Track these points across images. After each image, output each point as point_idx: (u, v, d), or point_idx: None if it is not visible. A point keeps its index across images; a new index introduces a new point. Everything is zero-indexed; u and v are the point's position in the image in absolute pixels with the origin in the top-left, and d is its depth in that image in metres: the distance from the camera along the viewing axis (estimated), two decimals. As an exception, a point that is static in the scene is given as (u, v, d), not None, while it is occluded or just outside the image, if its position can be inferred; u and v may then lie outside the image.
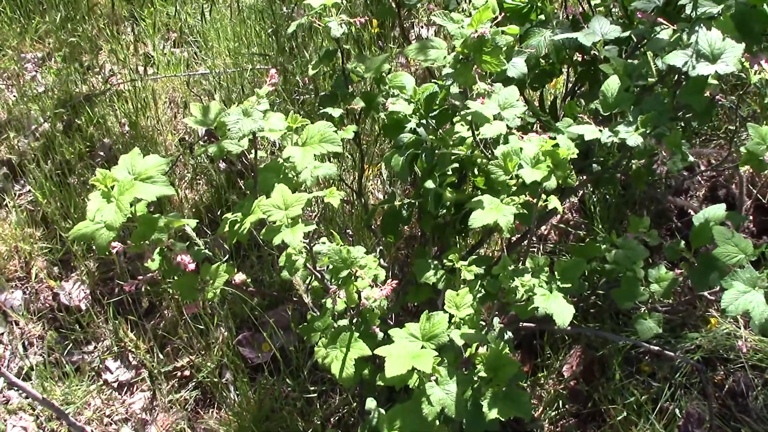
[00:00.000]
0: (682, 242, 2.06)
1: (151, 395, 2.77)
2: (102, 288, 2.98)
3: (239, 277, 2.09)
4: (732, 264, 1.78)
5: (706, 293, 2.06)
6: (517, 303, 1.81)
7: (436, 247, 2.46)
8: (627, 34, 2.02)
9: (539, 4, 2.19)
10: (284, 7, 3.62)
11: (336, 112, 2.26)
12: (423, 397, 1.75)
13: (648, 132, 1.79)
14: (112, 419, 2.71)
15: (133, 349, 2.81)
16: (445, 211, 2.21)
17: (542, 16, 2.20)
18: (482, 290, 1.94)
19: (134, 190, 1.80)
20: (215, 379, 2.70)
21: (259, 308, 2.76)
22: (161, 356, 2.80)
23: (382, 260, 2.61)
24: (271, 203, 1.77)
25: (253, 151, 1.98)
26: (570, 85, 2.46)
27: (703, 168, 2.96)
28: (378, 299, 1.83)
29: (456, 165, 2.13)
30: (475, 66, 1.85)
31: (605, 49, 2.04)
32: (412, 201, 2.26)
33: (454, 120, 2.11)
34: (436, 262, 2.12)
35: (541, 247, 2.93)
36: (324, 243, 1.94)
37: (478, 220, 1.76)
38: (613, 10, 2.35)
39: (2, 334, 2.88)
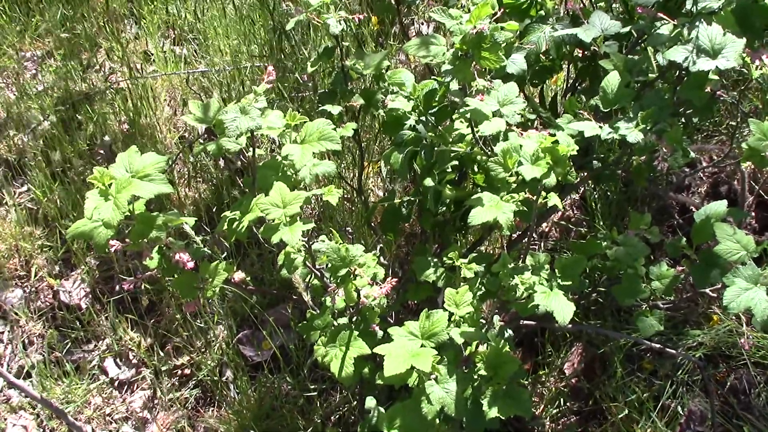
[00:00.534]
0: (684, 239, 2.04)
1: (151, 394, 2.76)
2: (102, 286, 2.97)
3: (238, 275, 2.08)
4: (734, 261, 1.77)
5: (707, 290, 2.05)
6: (517, 301, 1.80)
7: (436, 244, 2.45)
8: (627, 29, 2.01)
9: (539, 0, 2.17)
10: (283, 4, 3.61)
11: (335, 109, 2.25)
12: (423, 395, 1.74)
13: (648, 128, 1.78)
14: (112, 418, 2.71)
15: (134, 348, 2.81)
16: (444, 208, 2.19)
17: (542, 12, 2.18)
18: (482, 288, 1.93)
19: (132, 188, 1.79)
20: (215, 378, 2.70)
21: (258, 306, 2.75)
22: (161, 354, 2.79)
23: (381, 258, 2.60)
24: (270, 201, 1.76)
25: (251, 148, 1.97)
26: (570, 81, 2.45)
27: (704, 164, 2.95)
28: (377, 297, 1.82)
29: (455, 162, 2.11)
30: (474, 62, 1.83)
31: (605, 44, 2.02)
32: (412, 198, 2.25)
33: (454, 117, 2.10)
34: (435, 260, 2.11)
35: (542, 245, 2.92)
36: (323, 241, 1.93)
37: (477, 217, 1.75)
38: (614, 5, 2.33)
39: (2, 332, 2.87)
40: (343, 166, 3.06)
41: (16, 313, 2.88)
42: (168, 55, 3.57)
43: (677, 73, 2.02)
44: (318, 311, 2.02)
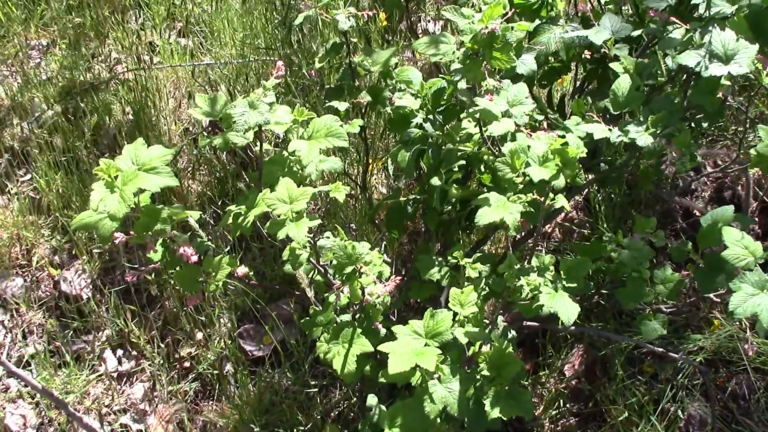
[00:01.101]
0: (689, 243, 2.04)
1: (151, 386, 2.76)
2: (104, 277, 2.96)
3: (242, 270, 2.07)
4: (740, 266, 1.77)
5: (710, 295, 2.05)
6: (522, 302, 1.79)
7: (440, 243, 2.44)
8: (639, 32, 2.00)
9: (549, 1, 2.16)
10: (291, -2, 3.60)
11: (342, 105, 2.25)
12: (425, 394, 1.74)
13: (658, 132, 1.77)
14: (111, 409, 2.71)
15: (134, 340, 2.80)
16: (450, 207, 2.19)
17: (552, 13, 2.17)
18: (486, 288, 1.93)
19: (138, 181, 1.79)
20: (215, 371, 2.69)
21: (260, 301, 2.75)
22: (162, 347, 2.79)
23: (385, 256, 2.60)
24: (276, 197, 1.76)
25: (258, 143, 1.96)
26: (578, 82, 2.44)
27: (710, 169, 2.94)
28: (381, 295, 1.82)
29: (462, 161, 2.11)
30: (485, 62, 1.83)
31: (615, 47, 2.02)
32: (417, 197, 2.25)
33: (462, 116, 2.10)
34: (440, 259, 2.11)
35: (546, 245, 2.92)
36: (328, 238, 1.92)
37: (484, 217, 1.75)
38: (623, 8, 2.33)
39: (2, 321, 2.87)
40: (348, 162, 3.05)
41: (17, 302, 2.87)
42: (173, 47, 3.56)
43: (687, 78, 2.02)
44: (321, 308, 2.02)
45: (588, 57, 2.30)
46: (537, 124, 2.06)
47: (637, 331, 2.12)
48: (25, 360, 2.77)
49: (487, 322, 1.89)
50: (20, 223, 3.02)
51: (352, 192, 2.95)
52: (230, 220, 1.97)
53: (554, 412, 2.51)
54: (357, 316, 1.95)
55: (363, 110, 2.42)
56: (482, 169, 2.10)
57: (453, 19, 1.83)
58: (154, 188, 1.80)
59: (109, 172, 1.81)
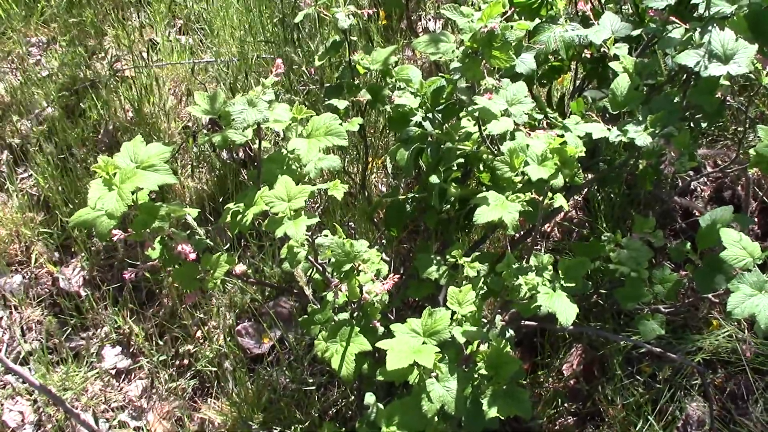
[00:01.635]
0: (688, 244, 2.04)
1: (149, 383, 2.76)
2: (102, 274, 2.96)
3: (240, 267, 2.07)
4: (739, 267, 1.76)
5: (709, 295, 2.04)
6: (520, 301, 1.79)
7: (438, 241, 2.44)
8: (638, 32, 2.00)
9: (549, 0, 2.16)
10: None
11: (341, 103, 2.24)
12: (423, 393, 1.74)
13: (657, 132, 1.77)
14: (109, 406, 2.71)
15: (132, 337, 2.80)
16: (449, 206, 2.19)
17: (552, 12, 2.17)
18: (485, 287, 1.93)
19: (136, 179, 1.79)
20: (214, 369, 2.69)
21: (259, 299, 2.74)
22: (160, 344, 2.79)
23: (384, 254, 2.60)
24: (275, 195, 1.76)
25: (257, 141, 1.96)
26: (578, 81, 2.44)
27: (709, 169, 2.94)
28: (380, 294, 1.82)
29: (461, 160, 2.11)
30: (484, 61, 1.83)
31: (615, 46, 2.01)
32: (416, 195, 2.24)
33: (461, 115, 2.09)
34: (438, 258, 2.11)
35: (544, 245, 2.91)
36: (327, 236, 1.92)
37: (482, 216, 1.74)
38: (623, 7, 2.32)
39: (1, 318, 2.87)
40: (347, 160, 3.04)
41: (15, 299, 2.87)
42: (174, 44, 3.55)
43: (684, 77, 2.02)
44: (319, 306, 2.02)
45: (588, 56, 2.30)
46: (536, 123, 2.06)
47: (636, 331, 2.12)
48: (22, 357, 2.76)
49: (486, 321, 1.89)
50: (19, 220, 3.02)
51: (351, 190, 2.95)
52: (229, 218, 1.97)
53: (552, 412, 2.51)
54: (355, 314, 1.95)
55: (363, 108, 2.42)
56: (481, 168, 2.10)
57: (452, 18, 1.83)
58: (152, 186, 1.80)
59: (108, 169, 1.81)
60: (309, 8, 2.17)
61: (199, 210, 2.14)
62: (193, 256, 1.93)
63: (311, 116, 1.97)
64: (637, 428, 2.39)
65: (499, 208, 1.75)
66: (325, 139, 1.93)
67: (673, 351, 2.45)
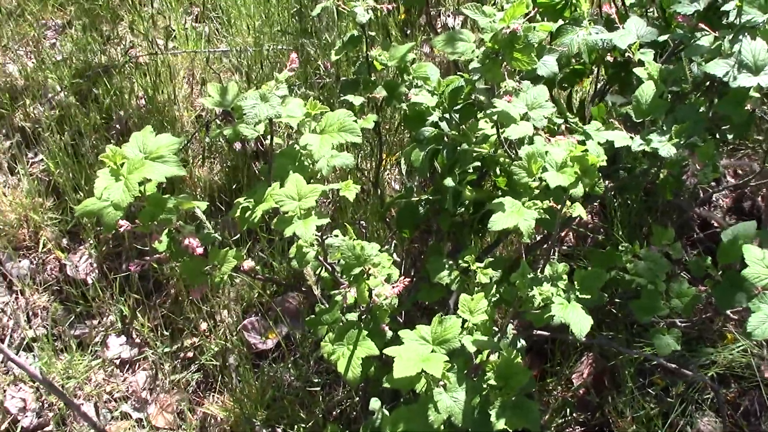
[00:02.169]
0: (708, 258, 1.98)
1: (153, 374, 2.73)
2: (109, 263, 2.94)
3: (248, 264, 2.04)
4: (761, 286, 1.71)
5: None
6: (533, 311, 1.74)
7: (450, 242, 2.39)
8: (665, 38, 1.94)
9: (573, 1, 2.10)
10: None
11: (357, 100, 2.20)
12: (429, 402, 1.70)
13: (681, 142, 1.71)
14: (112, 396, 2.68)
15: (138, 327, 2.77)
16: (463, 209, 2.14)
17: (576, 14, 2.11)
18: (497, 294, 1.88)
19: (144, 170, 1.75)
20: (218, 363, 2.66)
21: (266, 294, 2.71)
22: (165, 335, 2.76)
23: (395, 255, 2.55)
24: (285, 193, 1.72)
25: (269, 136, 1.92)
26: (600, 85, 2.38)
27: (729, 179, 2.88)
28: (389, 297, 1.77)
29: (477, 163, 2.06)
30: (505, 63, 1.78)
31: (640, 51, 1.95)
32: (430, 197, 2.20)
33: (479, 116, 2.04)
34: (450, 262, 2.06)
35: (558, 250, 2.86)
36: (337, 236, 1.88)
37: (498, 223, 1.70)
38: (649, 11, 2.26)
39: (7, 303, 2.84)
40: (360, 157, 3.00)
41: (22, 284, 2.85)
42: (189, 33, 3.52)
43: (710, 86, 1.96)
44: (327, 305, 1.98)
45: (611, 60, 2.24)
46: (556, 128, 2.01)
47: (649, 341, 2.07)
48: (26, 343, 2.74)
49: (496, 329, 1.84)
50: (29, 204, 2.99)
51: (364, 187, 2.91)
52: (238, 213, 1.94)
53: (560, 421, 2.46)
54: (363, 316, 1.91)
55: (378, 105, 2.37)
56: (498, 172, 2.05)
57: (474, 17, 1.78)
58: (160, 178, 1.76)
59: (115, 159, 1.78)
60: (327, 1, 2.13)
61: (208, 203, 2.11)
62: (200, 250, 1.90)
63: (325, 112, 1.93)
64: (647, 442, 2.35)
65: (515, 215, 1.70)
66: (338, 136, 1.89)
67: (687, 364, 2.39)
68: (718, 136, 2.02)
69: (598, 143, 1.82)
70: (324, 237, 1.84)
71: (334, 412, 2.52)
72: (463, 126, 2.08)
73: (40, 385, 2.64)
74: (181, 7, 3.65)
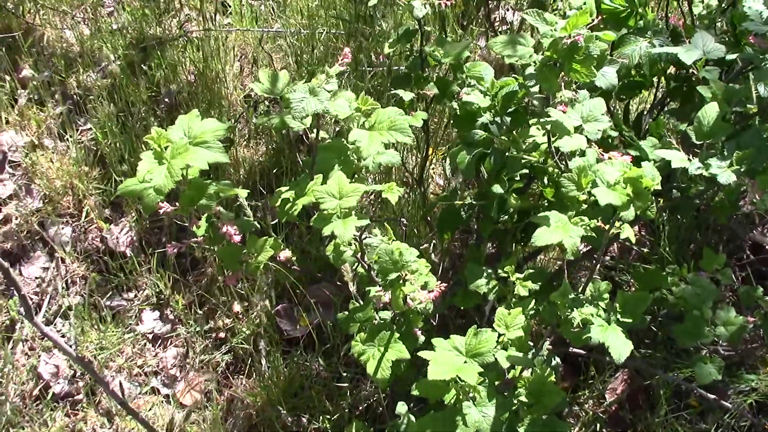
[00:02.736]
0: (760, 289, 1.91)
1: (184, 352, 2.74)
2: (149, 237, 2.95)
3: (284, 254, 2.02)
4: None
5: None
6: (572, 329, 1.69)
7: (490, 243, 2.35)
8: (734, 56, 1.85)
9: (639, 10, 2.02)
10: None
11: (407, 95, 2.16)
12: (457, 414, 1.66)
13: (742, 170, 1.63)
14: (143, 370, 2.70)
15: (172, 304, 2.78)
16: (507, 217, 2.09)
17: (641, 23, 2.03)
18: (534, 308, 1.83)
19: (187, 155, 1.74)
20: (249, 347, 2.66)
21: (300, 283, 2.69)
22: (199, 314, 2.77)
23: (432, 255, 2.52)
24: (326, 190, 1.69)
25: (315, 130, 1.89)
26: (659, 98, 2.30)
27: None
28: (424, 302, 1.73)
29: (525, 170, 2.01)
30: (563, 73, 1.71)
31: (705, 69, 1.87)
32: (473, 202, 2.15)
33: (531, 122, 1.98)
34: (489, 271, 2.01)
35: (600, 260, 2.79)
36: (376, 235, 1.85)
37: (542, 238, 1.65)
38: (717, 24, 2.17)
39: (47, 269, 2.87)
40: (405, 150, 2.95)
41: (62, 252, 2.87)
42: (245, 10, 3.49)
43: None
44: (361, 302, 1.95)
45: (673, 73, 2.16)
46: (610, 141, 1.94)
47: (688, 360, 2.00)
48: (62, 311, 2.77)
49: (531, 343, 1.80)
50: (75, 172, 3.01)
51: (406, 180, 2.87)
52: (278, 204, 1.92)
53: (589, 436, 2.42)
54: (397, 318, 1.88)
55: (429, 102, 2.33)
56: (545, 182, 1.99)
57: (534, 24, 1.72)
58: (203, 164, 1.74)
59: (160, 142, 1.76)
60: (385, -8, 2.08)
61: (249, 191, 2.09)
62: (237, 238, 1.89)
63: (375, 108, 1.89)
64: (677, 467, 2.29)
65: (560, 231, 1.65)
66: (387, 134, 1.85)
67: (726, 389, 2.32)
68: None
69: (653, 159, 1.75)
70: (363, 236, 1.81)
71: (360, 407, 2.50)
72: (514, 132, 2.03)
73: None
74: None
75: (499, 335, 1.72)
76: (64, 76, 3.27)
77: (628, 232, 1.60)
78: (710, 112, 1.73)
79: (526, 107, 2.06)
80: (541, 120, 1.76)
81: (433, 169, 3.02)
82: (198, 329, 2.73)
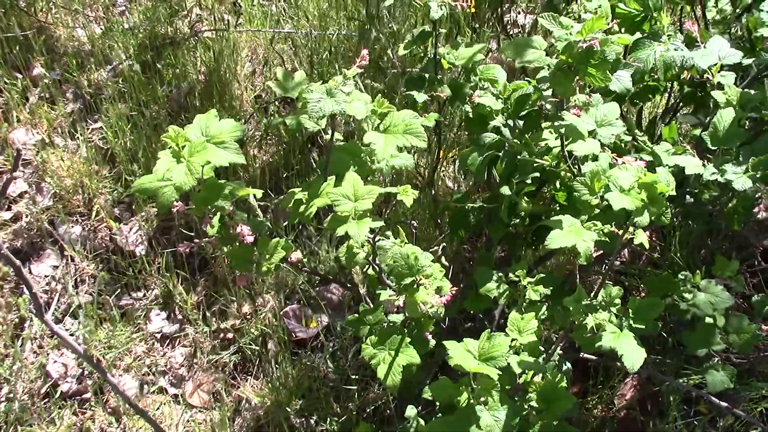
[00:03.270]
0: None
1: (192, 352, 2.74)
2: (159, 236, 2.95)
3: (296, 255, 2.01)
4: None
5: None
6: (584, 335, 1.69)
7: (500, 245, 2.34)
8: (749, 62, 1.85)
9: (654, 15, 2.02)
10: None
11: (421, 97, 2.16)
12: (468, 417, 1.65)
13: (758, 176, 1.63)
14: (151, 370, 2.70)
15: (181, 304, 2.79)
16: (518, 220, 2.09)
17: (656, 27, 2.03)
18: (546, 312, 1.83)
19: (206, 153, 1.73)
20: (257, 347, 2.66)
21: (310, 283, 2.69)
22: (207, 314, 2.77)
23: (443, 258, 2.51)
24: (341, 192, 1.68)
25: (330, 131, 1.88)
26: (672, 102, 2.29)
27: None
28: (436, 306, 1.73)
29: (537, 174, 2.00)
30: (578, 77, 1.71)
31: (720, 74, 1.87)
32: (484, 205, 2.14)
33: (544, 126, 1.98)
34: (499, 274, 2.01)
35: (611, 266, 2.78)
36: (388, 238, 1.85)
37: (555, 241, 1.64)
38: (732, 29, 2.17)
39: (57, 267, 2.88)
40: (416, 151, 2.95)
41: (72, 250, 2.88)
42: (256, 11, 3.50)
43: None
44: (371, 305, 1.95)
45: (687, 78, 2.15)
46: (623, 145, 1.94)
47: (698, 368, 1.99)
48: (72, 310, 2.77)
49: (542, 348, 1.79)
50: (85, 171, 3.02)
51: (418, 184, 2.86)
52: (291, 205, 1.91)
53: (598, 441, 2.41)
54: (407, 322, 1.88)
55: (441, 104, 2.32)
56: (558, 186, 1.99)
57: (549, 28, 1.71)
58: (222, 163, 1.74)
59: (177, 140, 1.76)
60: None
61: (263, 191, 2.09)
62: (250, 238, 1.88)
63: (390, 111, 1.89)
64: (686, 473, 2.28)
65: (573, 235, 1.64)
66: (402, 137, 1.84)
67: (737, 396, 2.31)
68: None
69: (666, 165, 1.74)
70: (376, 239, 1.81)
71: (368, 410, 2.50)
72: (526, 135, 2.02)
73: (82, 352, 2.67)
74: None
75: (512, 339, 1.72)
76: (76, 75, 3.28)
77: (642, 238, 1.60)
78: (726, 117, 1.73)
79: (539, 110, 2.06)
80: (555, 123, 1.76)
81: (443, 170, 3.01)
82: (206, 329, 2.73)
